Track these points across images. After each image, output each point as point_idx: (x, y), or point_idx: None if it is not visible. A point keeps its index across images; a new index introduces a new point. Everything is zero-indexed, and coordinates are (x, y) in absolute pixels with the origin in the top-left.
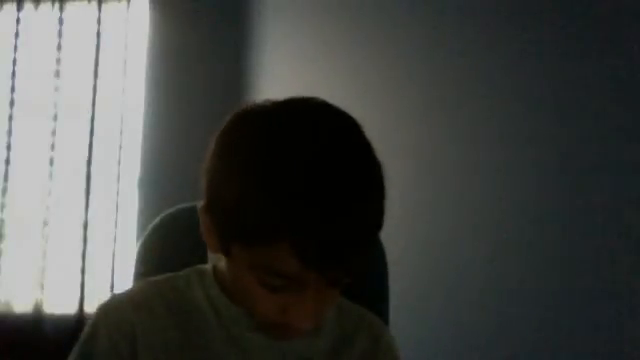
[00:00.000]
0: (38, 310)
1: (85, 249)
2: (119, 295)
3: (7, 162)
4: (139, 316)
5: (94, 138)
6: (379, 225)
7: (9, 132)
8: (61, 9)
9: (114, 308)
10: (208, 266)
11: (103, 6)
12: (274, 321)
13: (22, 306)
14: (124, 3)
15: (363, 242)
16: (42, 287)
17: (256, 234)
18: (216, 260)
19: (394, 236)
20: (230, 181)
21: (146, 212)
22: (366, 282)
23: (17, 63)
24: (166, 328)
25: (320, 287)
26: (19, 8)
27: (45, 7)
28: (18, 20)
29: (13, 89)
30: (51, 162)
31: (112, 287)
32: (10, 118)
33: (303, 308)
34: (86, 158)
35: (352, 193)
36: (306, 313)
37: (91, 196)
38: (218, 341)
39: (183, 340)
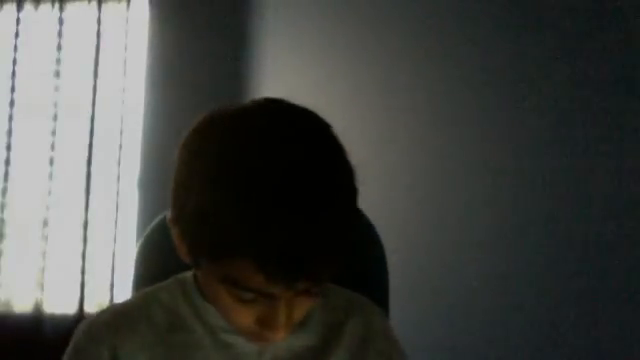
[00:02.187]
0: (38, 310)
1: (85, 249)
2: (100, 316)
3: (7, 162)
4: (120, 337)
5: (94, 138)
6: (347, 232)
7: (9, 132)
8: (61, 9)
9: (94, 331)
10: (188, 274)
11: (103, 6)
12: (250, 331)
13: (22, 306)
14: (124, 3)
15: (329, 252)
16: (42, 287)
17: (219, 249)
18: None
19: (395, 237)
20: (191, 194)
21: (146, 212)
22: (366, 282)
23: (17, 63)
24: (151, 345)
25: (290, 297)
26: (19, 8)
27: (45, 7)
28: (18, 20)
29: (13, 89)
30: (51, 162)
31: (112, 287)
32: (10, 118)
33: (275, 319)
34: (86, 158)
35: (317, 204)
36: (279, 324)
37: (91, 196)
38: (207, 349)
39: (171, 354)
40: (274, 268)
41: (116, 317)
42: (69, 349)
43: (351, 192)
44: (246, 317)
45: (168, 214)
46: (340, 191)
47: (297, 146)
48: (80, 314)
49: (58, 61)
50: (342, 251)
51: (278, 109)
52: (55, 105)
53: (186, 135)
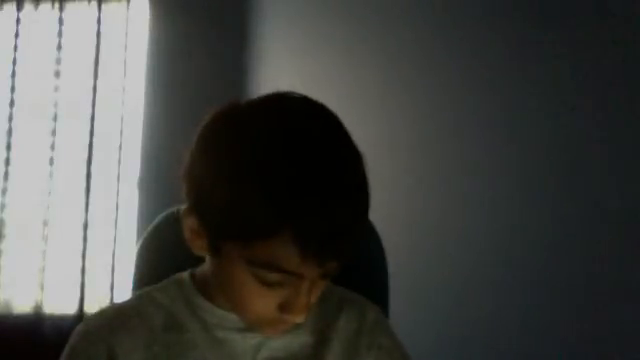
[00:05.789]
0: (38, 310)
1: (85, 249)
2: (96, 317)
3: (7, 162)
4: (116, 337)
5: (94, 138)
6: (367, 213)
7: (9, 132)
8: (61, 9)
9: (90, 332)
10: (185, 274)
11: (103, 6)
12: (267, 318)
13: (22, 306)
14: (124, 3)
15: (356, 230)
16: (42, 287)
17: (257, 230)
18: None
19: (395, 237)
20: (222, 182)
21: (146, 212)
22: (366, 282)
23: (17, 63)
24: (147, 345)
25: (315, 279)
26: (19, 8)
27: (45, 7)
28: (18, 20)
29: (13, 89)
30: (51, 162)
31: (112, 287)
32: (10, 118)
33: (298, 302)
34: (86, 158)
35: (345, 183)
36: (301, 307)
37: (91, 196)
38: (204, 348)
39: (167, 354)
40: (311, 242)
41: (112, 318)
42: (65, 351)
43: (367, 176)
44: (268, 302)
45: (169, 211)
46: (361, 173)
47: (321, 133)
48: (80, 314)
49: (58, 61)
50: (363, 233)
51: (295, 101)
52: (55, 105)
53: (202, 128)
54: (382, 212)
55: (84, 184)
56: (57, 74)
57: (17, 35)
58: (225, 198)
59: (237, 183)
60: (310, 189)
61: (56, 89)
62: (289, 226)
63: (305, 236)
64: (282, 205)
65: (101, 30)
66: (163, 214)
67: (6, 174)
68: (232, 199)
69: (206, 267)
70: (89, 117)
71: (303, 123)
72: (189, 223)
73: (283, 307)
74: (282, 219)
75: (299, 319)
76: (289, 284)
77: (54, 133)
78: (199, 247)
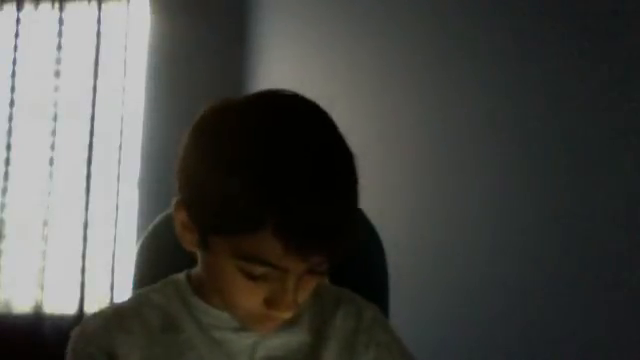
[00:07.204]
0: (38, 310)
1: (85, 249)
2: (94, 318)
3: (7, 162)
4: (117, 337)
5: (94, 138)
6: (355, 211)
7: (9, 132)
8: (61, 9)
9: (89, 333)
10: (180, 275)
11: (103, 6)
12: (255, 313)
13: (22, 306)
14: (124, 3)
15: (342, 227)
16: (42, 287)
17: (242, 224)
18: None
19: (395, 237)
20: (211, 176)
21: (146, 212)
22: (366, 282)
23: (17, 63)
24: (145, 346)
25: (300, 275)
26: (19, 8)
27: (45, 7)
28: (18, 20)
29: (13, 89)
30: (51, 162)
31: (112, 287)
32: (10, 118)
33: (284, 298)
34: (86, 158)
35: (331, 181)
36: (287, 303)
37: (91, 196)
38: (200, 348)
39: (165, 354)
40: (293, 236)
41: (110, 319)
42: (67, 354)
43: (357, 175)
44: (254, 297)
45: (169, 211)
46: (350, 172)
47: (312, 130)
48: (80, 314)
49: (58, 61)
50: (352, 230)
51: (287, 98)
52: (55, 105)
53: (195, 124)
54: (384, 211)
55: (84, 184)
56: (57, 74)
57: (17, 35)
58: (213, 192)
59: (224, 178)
60: (294, 185)
61: (56, 89)
62: (272, 220)
63: (287, 230)
64: (266, 200)
65: (101, 30)
66: (163, 214)
67: (6, 174)
68: (219, 193)
69: (198, 265)
70: (89, 117)
71: (292, 120)
72: (180, 217)
73: (269, 302)
74: (266, 213)
75: (285, 315)
76: (274, 278)
77: (54, 133)
78: (189, 242)
